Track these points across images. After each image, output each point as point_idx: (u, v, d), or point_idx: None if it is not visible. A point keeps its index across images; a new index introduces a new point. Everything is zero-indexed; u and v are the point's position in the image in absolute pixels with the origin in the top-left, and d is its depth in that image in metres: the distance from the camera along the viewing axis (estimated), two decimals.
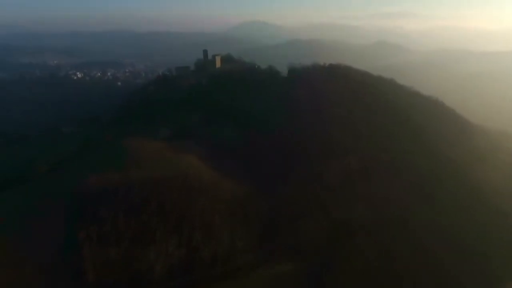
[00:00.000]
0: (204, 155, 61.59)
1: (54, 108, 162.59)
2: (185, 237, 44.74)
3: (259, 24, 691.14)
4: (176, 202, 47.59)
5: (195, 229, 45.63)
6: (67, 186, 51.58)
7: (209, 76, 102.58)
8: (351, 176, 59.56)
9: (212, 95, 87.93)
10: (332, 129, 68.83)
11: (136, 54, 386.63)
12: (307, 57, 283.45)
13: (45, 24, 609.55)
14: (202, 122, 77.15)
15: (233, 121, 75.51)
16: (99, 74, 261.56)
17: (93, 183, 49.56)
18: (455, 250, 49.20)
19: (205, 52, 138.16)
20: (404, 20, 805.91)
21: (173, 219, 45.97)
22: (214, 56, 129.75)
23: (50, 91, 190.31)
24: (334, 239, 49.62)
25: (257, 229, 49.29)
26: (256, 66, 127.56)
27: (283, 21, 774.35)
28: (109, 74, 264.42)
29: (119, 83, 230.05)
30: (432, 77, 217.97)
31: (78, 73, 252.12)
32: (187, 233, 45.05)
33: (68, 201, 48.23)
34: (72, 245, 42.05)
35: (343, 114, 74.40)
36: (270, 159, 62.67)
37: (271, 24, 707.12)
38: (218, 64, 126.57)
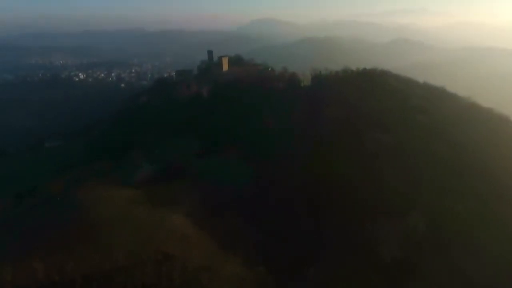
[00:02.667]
0: (198, 213, 40.63)
1: (47, 116, 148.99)
2: None
3: (271, 22, 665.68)
4: None
5: None
6: None
7: (213, 85, 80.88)
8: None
9: (214, 114, 65.91)
10: (381, 169, 46.53)
11: (145, 54, 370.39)
12: (323, 56, 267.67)
13: (56, 24, 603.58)
14: (200, 151, 55.78)
15: (241, 150, 54.18)
16: (102, 75, 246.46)
17: None
18: None
19: (210, 53, 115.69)
20: (418, 16, 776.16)
21: None
22: (220, 58, 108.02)
23: (47, 96, 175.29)
24: None
25: None
26: (270, 69, 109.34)
27: (296, 18, 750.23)
28: (113, 74, 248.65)
29: (122, 85, 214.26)
30: (467, 78, 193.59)
31: (81, 74, 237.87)
32: None
33: None
34: None
35: (390, 143, 51.59)
36: (295, 217, 41.43)
37: (284, 21, 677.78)
38: (225, 67, 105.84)
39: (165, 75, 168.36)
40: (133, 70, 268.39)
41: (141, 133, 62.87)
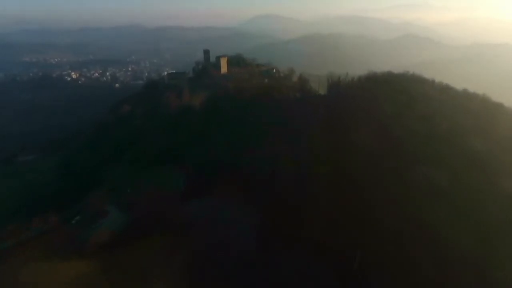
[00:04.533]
0: None
1: (30, 120, 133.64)
2: None
3: (273, 18, 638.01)
4: None
5: None
6: None
7: (209, 96, 63.86)
8: None
9: (209, 136, 49.06)
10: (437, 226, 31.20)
11: (144, 51, 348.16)
12: (328, 54, 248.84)
13: (52, 20, 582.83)
14: (188, 190, 39.94)
15: (244, 188, 37.78)
16: (96, 74, 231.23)
17: None
18: None
19: (206, 53, 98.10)
20: (423, 11, 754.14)
21: None
22: (218, 58, 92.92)
23: (34, 97, 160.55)
24: None
25: None
26: (274, 70, 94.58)
27: (298, 14, 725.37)
28: (108, 74, 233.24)
29: (116, 85, 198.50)
30: (483, 75, 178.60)
31: (73, 73, 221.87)
32: None
33: None
34: None
35: (442, 182, 35.55)
36: None
37: (286, 17, 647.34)
38: (223, 68, 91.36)
39: (164, 73, 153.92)
40: (129, 69, 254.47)
41: (112, 161, 48.22)
